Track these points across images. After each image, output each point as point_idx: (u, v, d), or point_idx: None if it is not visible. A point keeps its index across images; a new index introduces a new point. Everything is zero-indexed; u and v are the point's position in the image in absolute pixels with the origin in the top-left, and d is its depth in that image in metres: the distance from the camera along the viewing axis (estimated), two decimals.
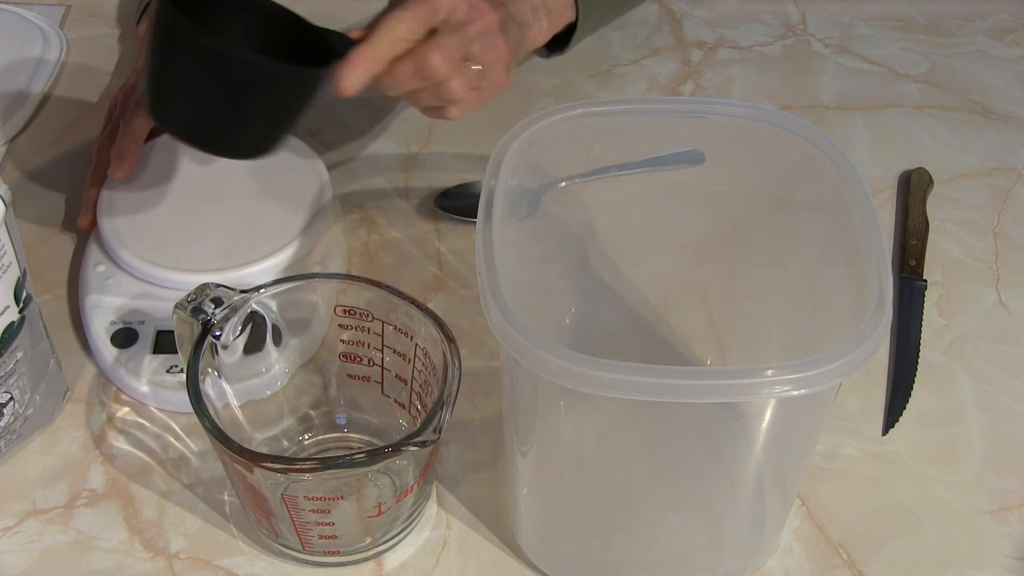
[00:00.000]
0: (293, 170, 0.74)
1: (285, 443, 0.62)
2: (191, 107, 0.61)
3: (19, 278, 0.57)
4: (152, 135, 0.74)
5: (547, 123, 0.56)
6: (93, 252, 0.69)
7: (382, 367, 0.60)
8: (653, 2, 0.99)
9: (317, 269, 0.69)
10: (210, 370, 0.57)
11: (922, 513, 0.62)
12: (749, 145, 0.58)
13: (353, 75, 0.60)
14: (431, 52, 0.61)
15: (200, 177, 0.73)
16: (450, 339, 0.55)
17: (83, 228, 0.72)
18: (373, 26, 0.62)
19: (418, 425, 0.54)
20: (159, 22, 0.59)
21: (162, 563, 0.58)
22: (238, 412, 0.60)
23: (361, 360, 0.61)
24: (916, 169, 0.82)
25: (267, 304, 0.59)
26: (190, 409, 0.54)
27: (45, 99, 0.86)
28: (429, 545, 0.60)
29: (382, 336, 0.59)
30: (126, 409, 0.65)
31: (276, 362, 0.62)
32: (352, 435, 0.63)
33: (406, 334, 0.58)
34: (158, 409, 0.65)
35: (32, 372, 0.60)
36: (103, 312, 0.67)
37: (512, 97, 0.88)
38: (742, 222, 0.60)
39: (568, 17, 0.74)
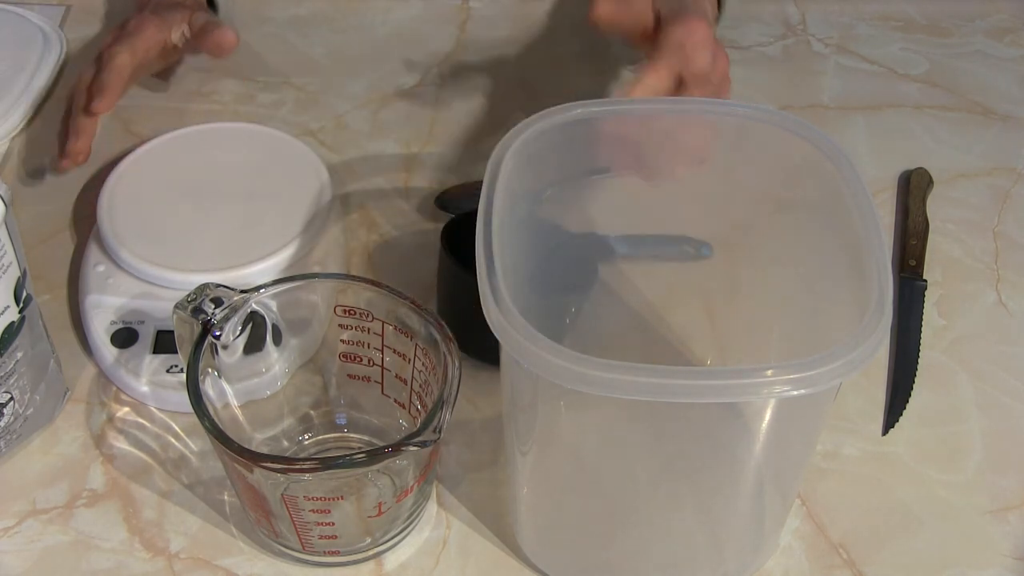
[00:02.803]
0: (293, 170, 0.74)
1: (285, 443, 0.62)
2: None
3: (19, 278, 0.57)
4: (136, 75, 0.76)
5: (547, 123, 0.56)
6: (93, 252, 0.69)
7: (382, 367, 0.60)
8: None
9: (317, 269, 0.69)
10: (210, 370, 0.57)
11: (922, 513, 0.62)
12: (749, 145, 0.58)
13: None
14: None
15: (200, 177, 0.73)
16: (450, 339, 0.55)
17: (74, 154, 0.75)
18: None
19: (418, 425, 0.54)
20: (446, 269, 0.68)
21: (162, 563, 0.58)
22: (238, 412, 0.60)
23: (361, 360, 0.61)
24: (916, 169, 0.82)
25: (267, 304, 0.59)
26: (190, 409, 0.54)
27: (45, 99, 0.86)
28: (429, 545, 0.60)
29: (382, 336, 0.59)
30: (126, 409, 0.65)
31: (276, 362, 0.62)
32: (352, 435, 0.63)
33: (406, 334, 0.58)
34: (158, 409, 0.65)
35: (32, 372, 0.60)
36: (103, 312, 0.67)
37: (512, 97, 0.88)
38: (742, 222, 0.60)
39: None
